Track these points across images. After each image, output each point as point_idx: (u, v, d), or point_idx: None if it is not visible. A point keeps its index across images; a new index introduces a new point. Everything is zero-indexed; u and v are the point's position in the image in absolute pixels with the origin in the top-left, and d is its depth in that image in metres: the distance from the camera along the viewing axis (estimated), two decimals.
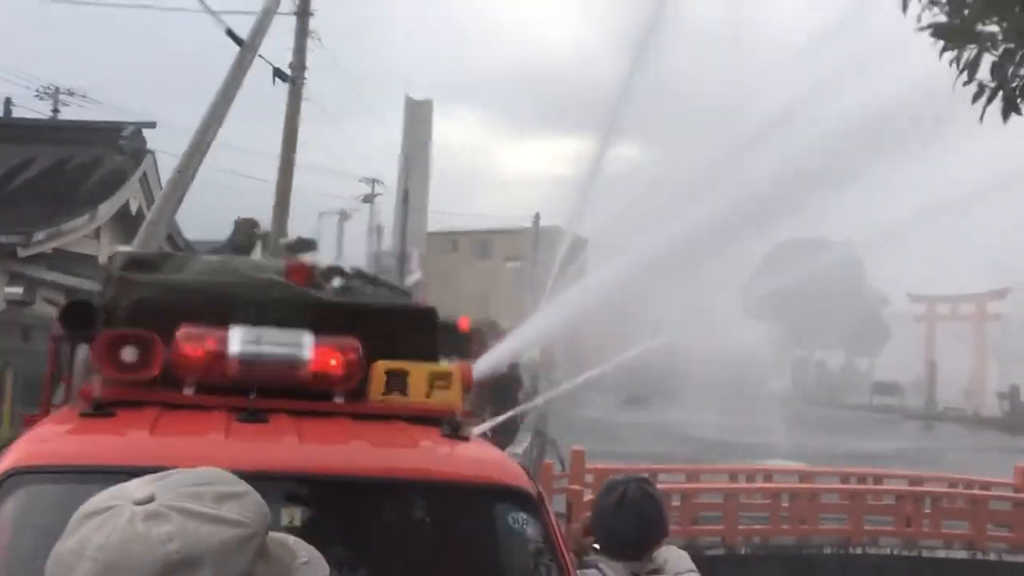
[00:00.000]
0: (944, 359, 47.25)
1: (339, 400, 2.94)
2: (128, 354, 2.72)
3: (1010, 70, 3.20)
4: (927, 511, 12.24)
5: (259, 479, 2.36)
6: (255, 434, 2.52)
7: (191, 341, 2.79)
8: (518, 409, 15.97)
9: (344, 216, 46.45)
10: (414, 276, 10.33)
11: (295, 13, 16.68)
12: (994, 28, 3.30)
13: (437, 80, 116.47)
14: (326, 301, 3.19)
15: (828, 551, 11.82)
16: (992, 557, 11.69)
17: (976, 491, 12.70)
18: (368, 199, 47.34)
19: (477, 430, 11.09)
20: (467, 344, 14.08)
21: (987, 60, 3.34)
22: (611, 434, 26.38)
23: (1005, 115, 3.33)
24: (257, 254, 10.37)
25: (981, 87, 3.40)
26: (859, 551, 11.76)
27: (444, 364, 3.29)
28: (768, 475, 13.71)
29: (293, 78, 16.34)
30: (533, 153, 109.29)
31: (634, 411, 36.77)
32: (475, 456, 2.72)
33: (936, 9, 3.47)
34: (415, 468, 2.52)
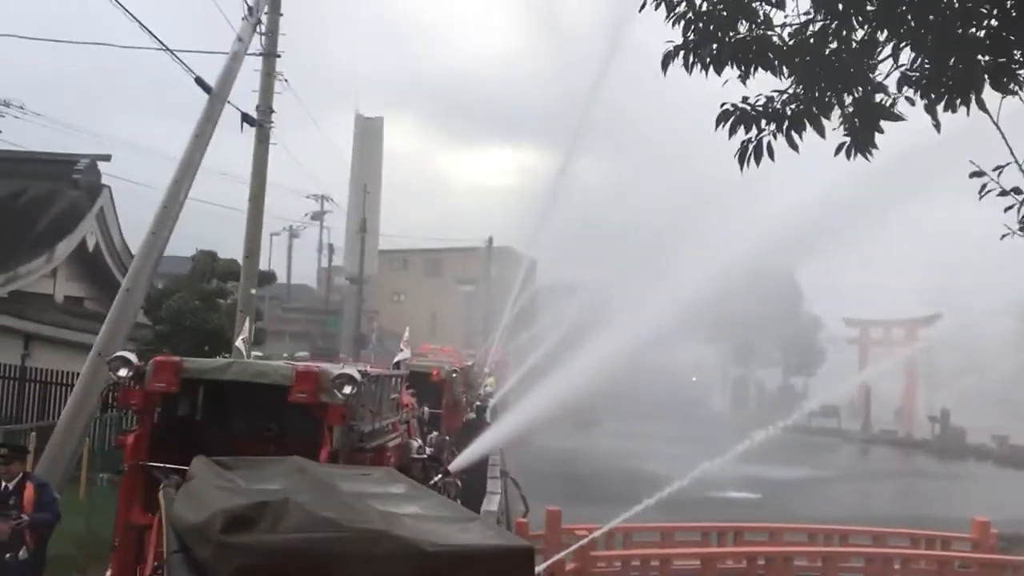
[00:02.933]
0: (875, 382, 48.72)
1: None
2: None
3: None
4: (896, 568, 12.59)
5: None
6: None
7: None
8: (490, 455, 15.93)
9: (294, 234, 45.78)
10: (403, 354, 10.30)
11: (261, 54, 16.25)
12: None
13: (376, 86, 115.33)
14: (430, 552, 3.09)
15: None
16: None
17: (940, 552, 13.06)
18: (317, 216, 46.77)
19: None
20: (440, 392, 13.91)
21: None
22: (565, 466, 26.52)
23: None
24: (245, 332, 10.05)
25: None
26: None
27: None
28: (739, 532, 13.88)
29: (260, 122, 15.92)
30: (474, 164, 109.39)
31: (584, 436, 36.94)
32: None
33: None
34: None
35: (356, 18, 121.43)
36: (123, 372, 7.21)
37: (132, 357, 7.23)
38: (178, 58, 13.17)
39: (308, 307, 49.63)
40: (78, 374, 16.82)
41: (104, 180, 20.51)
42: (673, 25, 4.01)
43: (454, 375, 15.99)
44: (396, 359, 10.00)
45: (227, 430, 8.45)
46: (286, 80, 16.66)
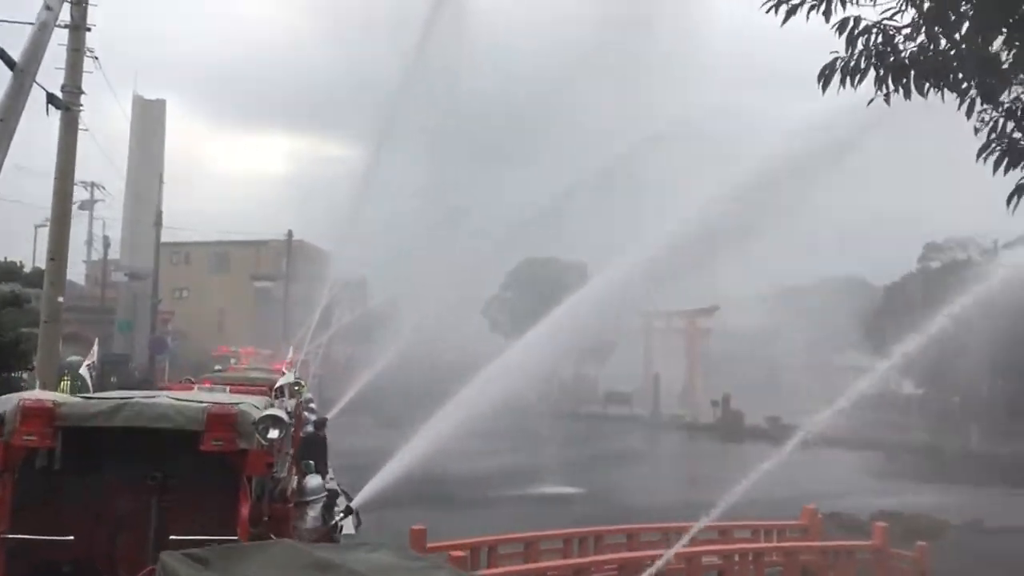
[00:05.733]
0: (660, 369, 51.96)
1: None
2: None
3: None
4: (750, 559, 13.17)
5: None
6: None
7: None
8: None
9: None
10: (287, 377, 9.17)
11: (67, 26, 14.13)
12: None
13: (146, 66, 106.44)
14: None
15: None
16: None
17: (787, 543, 13.85)
18: (86, 206, 42.12)
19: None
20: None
21: None
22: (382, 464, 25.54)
23: None
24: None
25: None
26: None
27: None
28: (599, 536, 13.99)
29: (67, 104, 13.82)
30: (253, 154, 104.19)
31: (391, 435, 36.12)
32: None
33: None
34: None
35: None
36: None
37: None
38: None
39: (79, 306, 44.83)
40: None
41: None
42: (839, 34, 3.73)
43: (298, 387, 14.73)
44: (279, 384, 8.89)
45: (97, 480, 7.08)
46: (96, 57, 14.62)
